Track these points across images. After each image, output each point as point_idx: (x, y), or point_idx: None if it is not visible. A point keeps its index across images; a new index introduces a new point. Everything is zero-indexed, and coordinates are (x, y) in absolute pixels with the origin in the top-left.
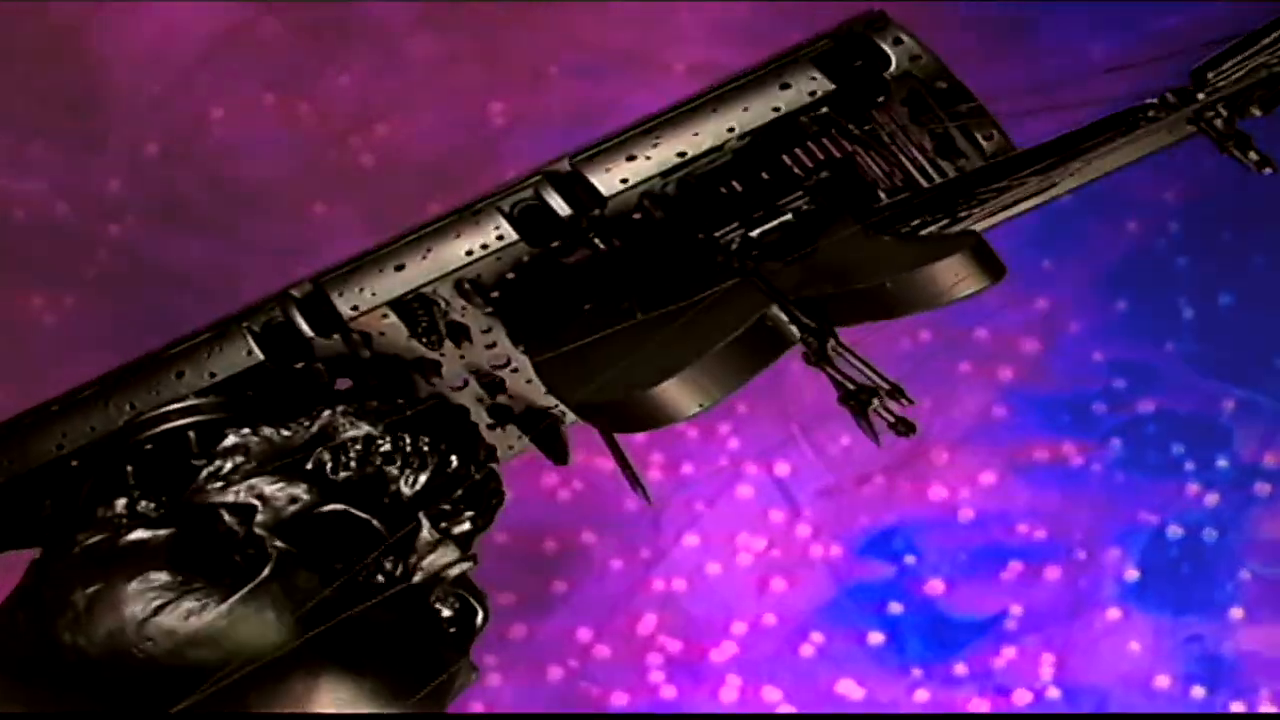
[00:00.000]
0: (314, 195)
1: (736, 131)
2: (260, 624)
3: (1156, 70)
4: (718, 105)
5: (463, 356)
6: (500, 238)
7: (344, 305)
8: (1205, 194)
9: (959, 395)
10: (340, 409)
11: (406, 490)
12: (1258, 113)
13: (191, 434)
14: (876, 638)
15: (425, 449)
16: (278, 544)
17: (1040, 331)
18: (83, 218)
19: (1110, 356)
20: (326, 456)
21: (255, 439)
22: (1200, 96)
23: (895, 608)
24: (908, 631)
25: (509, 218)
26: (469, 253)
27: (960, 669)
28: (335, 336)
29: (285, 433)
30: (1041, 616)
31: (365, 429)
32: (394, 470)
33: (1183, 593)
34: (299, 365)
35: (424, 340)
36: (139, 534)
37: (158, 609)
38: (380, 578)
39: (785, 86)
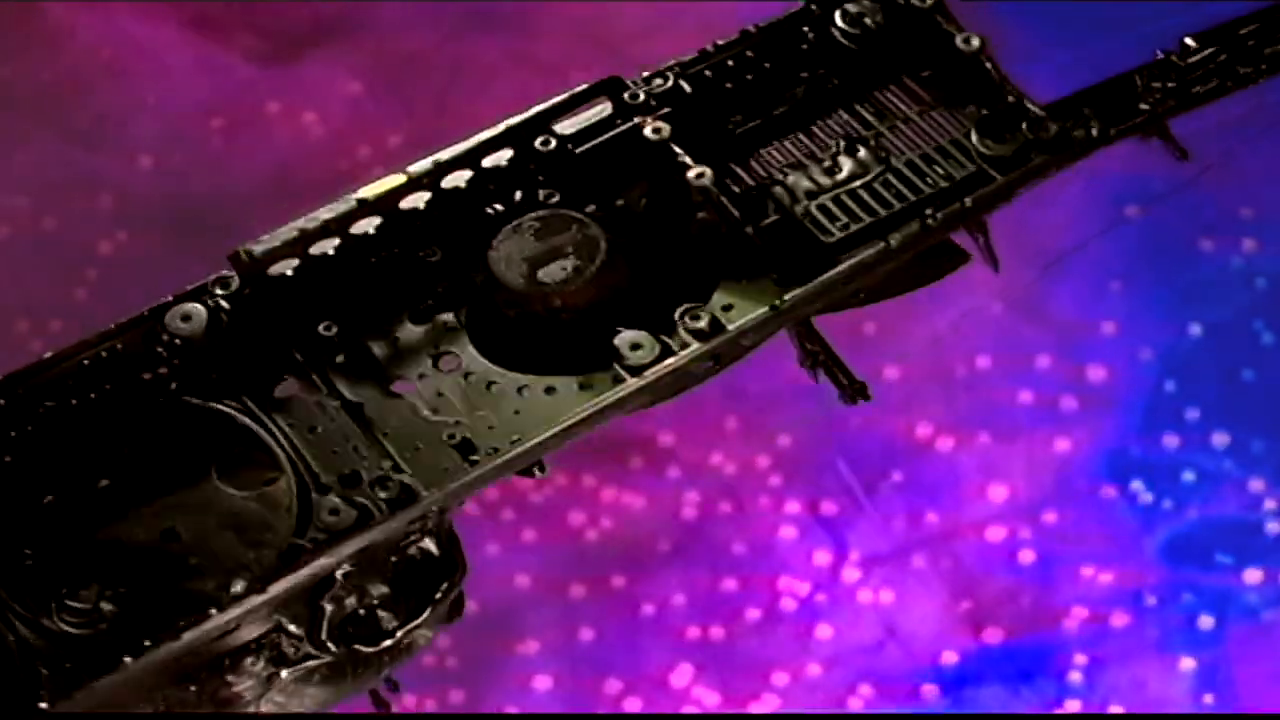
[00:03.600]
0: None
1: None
2: None
3: None
4: None
5: None
6: None
7: None
8: None
9: (1019, 427)
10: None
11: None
12: None
13: None
14: (930, 691)
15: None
16: None
17: (1107, 358)
18: (72, 235)
19: (1183, 385)
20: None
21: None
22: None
23: (950, 657)
24: (964, 684)
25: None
26: None
27: None
28: None
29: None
30: (1108, 668)
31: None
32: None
33: (1263, 641)
34: None
35: None
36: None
37: None
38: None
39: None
